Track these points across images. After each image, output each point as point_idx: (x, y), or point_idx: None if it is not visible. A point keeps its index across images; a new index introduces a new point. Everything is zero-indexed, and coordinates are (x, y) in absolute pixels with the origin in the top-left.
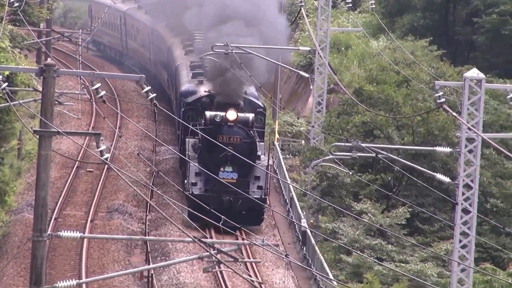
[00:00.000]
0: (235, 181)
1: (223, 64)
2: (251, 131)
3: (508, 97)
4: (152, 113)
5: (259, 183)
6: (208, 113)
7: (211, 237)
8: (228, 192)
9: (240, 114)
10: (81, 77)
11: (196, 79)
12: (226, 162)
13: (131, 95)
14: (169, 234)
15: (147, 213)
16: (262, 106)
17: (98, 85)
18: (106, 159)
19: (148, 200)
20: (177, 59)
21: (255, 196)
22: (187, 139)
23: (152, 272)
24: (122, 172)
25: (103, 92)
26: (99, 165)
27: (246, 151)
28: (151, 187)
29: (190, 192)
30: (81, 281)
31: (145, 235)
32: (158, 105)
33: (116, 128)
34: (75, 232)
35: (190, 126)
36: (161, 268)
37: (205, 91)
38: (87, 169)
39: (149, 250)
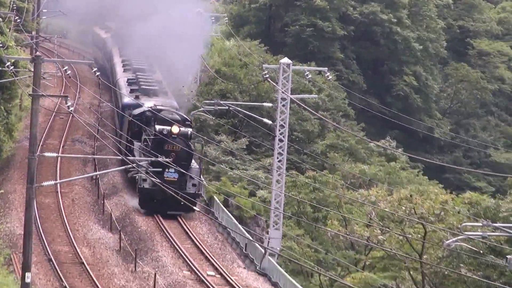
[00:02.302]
0: (176, 179)
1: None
2: (189, 142)
3: (305, 74)
4: (98, 84)
5: (194, 181)
6: (158, 127)
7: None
8: (170, 188)
9: (182, 129)
10: (57, 63)
11: (134, 94)
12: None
13: (86, 74)
14: (107, 153)
15: (95, 142)
16: (189, 119)
17: (66, 67)
18: (71, 110)
19: (96, 134)
20: (117, 74)
21: (191, 191)
22: (135, 142)
23: (98, 176)
24: (80, 118)
25: (69, 72)
26: (67, 114)
27: (185, 157)
28: (97, 127)
29: (142, 186)
30: (56, 181)
31: (94, 155)
32: (101, 79)
33: (77, 93)
34: (53, 153)
35: (144, 136)
36: (103, 174)
37: (148, 107)
38: (60, 117)
39: (96, 163)
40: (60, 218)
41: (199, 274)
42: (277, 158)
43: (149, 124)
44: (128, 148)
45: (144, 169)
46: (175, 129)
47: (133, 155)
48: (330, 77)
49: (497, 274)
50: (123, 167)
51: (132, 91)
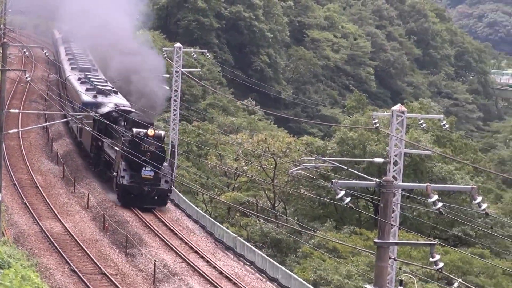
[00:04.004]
0: (151, 177)
1: None
2: (162, 143)
3: (192, 54)
4: (47, 61)
5: (166, 178)
6: (135, 129)
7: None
8: (147, 184)
9: (156, 131)
10: (19, 47)
11: (91, 93)
12: (146, 164)
13: (40, 55)
14: (54, 110)
15: (46, 102)
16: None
17: (25, 50)
18: (29, 80)
19: (46, 96)
20: (66, 71)
21: (164, 187)
22: (105, 141)
23: (48, 126)
24: (35, 85)
25: (27, 53)
26: (26, 83)
27: (159, 157)
28: (47, 92)
29: (121, 183)
30: (19, 130)
31: (45, 111)
32: (49, 58)
33: (32, 67)
34: (16, 109)
35: (123, 138)
36: (52, 124)
37: (115, 108)
38: (21, 84)
39: (46, 117)
40: (21, 155)
41: None
42: (173, 113)
43: (117, 124)
44: (96, 144)
45: (79, 120)
46: (150, 131)
47: (103, 151)
48: (209, 56)
49: (325, 193)
50: (70, 118)
51: (88, 89)
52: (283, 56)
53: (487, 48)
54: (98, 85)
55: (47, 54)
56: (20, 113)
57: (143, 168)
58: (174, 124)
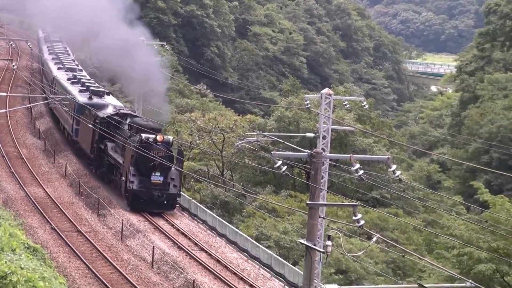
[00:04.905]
0: (161, 182)
1: None
2: (170, 148)
3: (153, 46)
4: (31, 53)
5: (174, 183)
6: (143, 135)
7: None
8: (156, 189)
9: (165, 137)
10: (6, 41)
11: (85, 94)
12: (156, 169)
13: (25, 47)
14: (37, 93)
15: (29, 86)
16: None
17: (12, 43)
18: (15, 68)
19: (30, 81)
20: (53, 71)
21: (173, 192)
22: (108, 143)
23: (31, 107)
24: (20, 72)
25: (14, 45)
26: (12, 70)
27: (168, 161)
28: (31, 78)
29: (130, 188)
30: (6, 110)
31: (29, 94)
32: (32, 49)
33: (18, 57)
34: (4, 93)
35: (133, 144)
36: (35, 105)
37: (116, 111)
38: (8, 72)
39: (30, 99)
40: (9, 131)
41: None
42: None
43: (120, 127)
44: (97, 146)
45: (59, 100)
46: (159, 137)
47: (107, 154)
48: (168, 48)
49: (265, 162)
50: (50, 100)
51: (81, 91)
52: (229, 48)
53: (400, 41)
54: (90, 86)
55: (30, 46)
56: (8, 96)
57: (153, 174)
58: (138, 105)
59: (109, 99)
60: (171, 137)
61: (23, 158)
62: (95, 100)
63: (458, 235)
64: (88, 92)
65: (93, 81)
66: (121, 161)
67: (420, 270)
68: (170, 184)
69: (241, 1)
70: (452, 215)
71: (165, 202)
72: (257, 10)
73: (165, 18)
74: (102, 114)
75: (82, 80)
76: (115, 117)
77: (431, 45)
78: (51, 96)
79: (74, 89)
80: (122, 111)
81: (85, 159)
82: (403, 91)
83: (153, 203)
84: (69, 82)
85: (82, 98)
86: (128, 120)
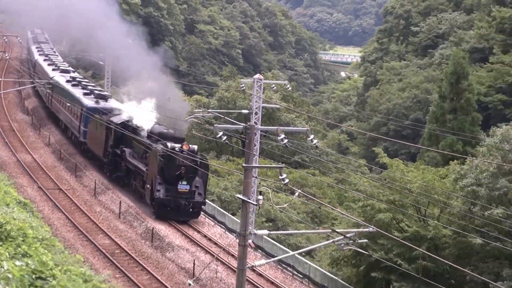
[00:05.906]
0: (187, 191)
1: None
2: (195, 157)
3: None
4: (20, 46)
5: (199, 190)
6: (169, 144)
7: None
8: (183, 198)
9: (190, 146)
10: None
11: (92, 98)
12: (182, 177)
13: (16, 42)
14: (26, 78)
15: (19, 73)
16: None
17: (5, 37)
18: (8, 58)
19: (22, 72)
20: (48, 72)
21: (199, 200)
22: (125, 149)
23: (21, 90)
24: (13, 63)
25: (6, 40)
26: (6, 60)
27: (193, 170)
28: (21, 68)
29: (158, 197)
30: (0, 92)
31: (19, 79)
32: (21, 43)
33: (10, 49)
34: None
35: (158, 150)
36: (24, 88)
37: (130, 118)
38: (1, 61)
39: (20, 83)
40: (3, 109)
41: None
42: (106, 80)
43: (137, 134)
44: (113, 151)
45: (47, 84)
46: (185, 146)
47: (124, 160)
48: (131, 42)
49: (209, 133)
50: (33, 85)
51: (86, 94)
52: (180, 42)
53: (316, 37)
54: (96, 90)
55: (20, 41)
56: (2, 81)
57: (180, 182)
58: (107, 88)
59: (113, 103)
60: (195, 146)
61: (14, 130)
62: (102, 103)
63: (363, 190)
64: (93, 95)
65: (93, 84)
66: (143, 168)
67: (333, 218)
68: (195, 192)
69: (189, 4)
70: (358, 175)
71: (191, 210)
72: (202, 12)
73: (128, 18)
74: (117, 119)
75: (82, 82)
76: (130, 124)
77: (341, 39)
78: (36, 80)
79: (78, 93)
80: (136, 118)
81: (94, 160)
82: (319, 76)
83: (179, 211)
84: (70, 84)
85: (89, 101)
86: (147, 128)
